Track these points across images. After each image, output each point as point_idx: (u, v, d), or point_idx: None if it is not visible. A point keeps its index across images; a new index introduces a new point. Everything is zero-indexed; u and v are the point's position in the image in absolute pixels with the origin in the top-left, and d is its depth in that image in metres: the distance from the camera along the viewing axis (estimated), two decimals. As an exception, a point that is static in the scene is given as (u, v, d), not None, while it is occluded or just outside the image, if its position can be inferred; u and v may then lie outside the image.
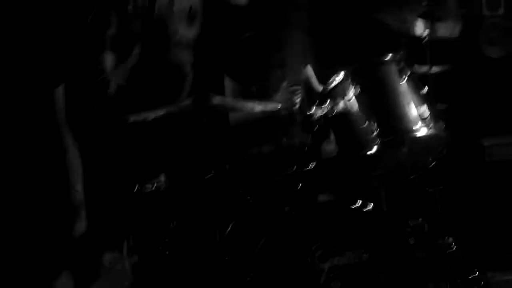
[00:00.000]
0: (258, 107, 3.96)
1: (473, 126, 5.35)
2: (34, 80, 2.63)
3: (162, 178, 4.01)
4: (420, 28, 4.64)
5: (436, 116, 3.76)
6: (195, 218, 3.90)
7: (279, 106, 4.25)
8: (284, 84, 4.41)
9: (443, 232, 4.31)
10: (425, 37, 4.39)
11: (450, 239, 4.31)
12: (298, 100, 4.47)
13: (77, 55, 5.02)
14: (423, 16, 4.57)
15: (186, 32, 5.38)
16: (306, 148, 4.28)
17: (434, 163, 3.91)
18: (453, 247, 4.32)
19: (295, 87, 4.47)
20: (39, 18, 2.71)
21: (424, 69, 4.41)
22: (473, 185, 5.09)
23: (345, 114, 3.76)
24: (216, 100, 3.81)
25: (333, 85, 3.85)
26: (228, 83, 4.35)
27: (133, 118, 3.82)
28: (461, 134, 4.96)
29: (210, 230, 3.89)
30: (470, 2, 5.41)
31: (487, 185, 5.05)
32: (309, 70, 4.63)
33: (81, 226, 4.24)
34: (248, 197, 3.92)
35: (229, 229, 3.86)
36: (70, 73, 4.69)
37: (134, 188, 3.99)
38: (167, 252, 3.84)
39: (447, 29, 4.76)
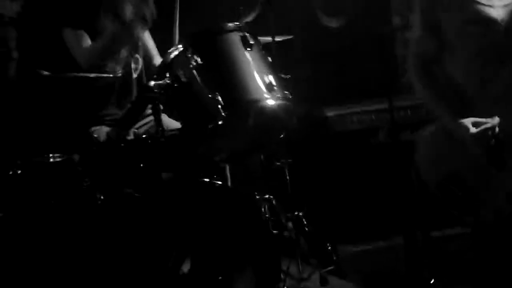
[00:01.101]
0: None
1: (315, 97, 5.29)
2: None
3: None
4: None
5: (282, 86, 3.58)
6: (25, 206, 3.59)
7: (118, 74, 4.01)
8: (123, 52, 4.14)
9: (294, 206, 4.21)
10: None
11: (301, 214, 4.23)
12: (137, 69, 4.23)
13: None
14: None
15: (9, 7, 5.07)
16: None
17: (282, 135, 3.76)
18: (304, 222, 4.24)
19: (135, 56, 4.21)
20: None
21: (267, 38, 4.28)
22: (319, 157, 5.02)
23: (187, 86, 3.54)
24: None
25: (172, 56, 3.62)
26: (68, 35, 4.02)
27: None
28: (304, 105, 4.86)
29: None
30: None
31: (332, 157, 4.98)
32: (147, 37, 4.39)
33: None
34: (86, 179, 3.64)
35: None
36: None
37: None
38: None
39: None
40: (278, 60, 4.03)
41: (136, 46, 4.23)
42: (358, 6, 5.58)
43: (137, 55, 4.22)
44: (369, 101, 5.14)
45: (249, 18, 4.38)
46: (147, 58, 4.33)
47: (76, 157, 3.65)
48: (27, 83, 3.34)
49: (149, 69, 4.29)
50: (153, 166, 3.59)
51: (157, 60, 4.31)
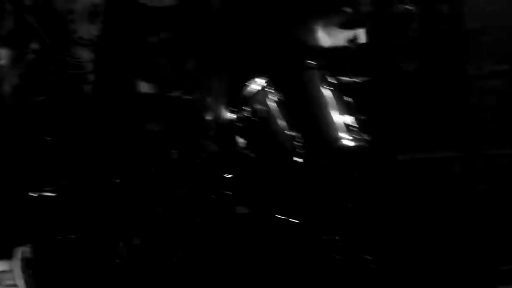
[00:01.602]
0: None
1: (389, 139, 5.23)
2: None
3: (63, 182, 3.68)
4: (340, 37, 4.48)
5: (360, 127, 3.55)
6: (98, 228, 3.60)
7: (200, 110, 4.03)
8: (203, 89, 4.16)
9: (362, 248, 4.15)
10: (347, 47, 4.24)
11: (369, 257, 4.15)
12: (218, 106, 4.24)
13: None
14: (343, 25, 4.41)
15: (88, 29, 5.13)
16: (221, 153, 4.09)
17: (357, 176, 3.73)
18: (371, 262, 4.17)
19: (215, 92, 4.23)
20: None
21: (346, 79, 4.26)
22: (390, 201, 4.95)
23: (265, 121, 3.53)
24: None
25: (252, 90, 3.62)
26: (144, 86, 4.06)
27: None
28: (378, 148, 4.81)
29: (114, 242, 3.62)
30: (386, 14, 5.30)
31: (403, 201, 4.91)
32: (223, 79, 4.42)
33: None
34: (158, 208, 3.65)
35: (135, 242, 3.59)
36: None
37: (32, 192, 3.65)
38: (67, 266, 3.52)
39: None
40: (356, 101, 3.99)
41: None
42: (434, 51, 5.53)
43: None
44: (441, 148, 5.08)
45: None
46: None
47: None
48: (102, 106, 3.35)
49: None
50: (228, 199, 3.58)
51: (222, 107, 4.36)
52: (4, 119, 4.77)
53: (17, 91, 4.91)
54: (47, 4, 5.03)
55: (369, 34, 5.29)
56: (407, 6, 5.51)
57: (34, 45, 5.00)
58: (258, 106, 3.56)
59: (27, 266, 3.64)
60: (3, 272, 3.87)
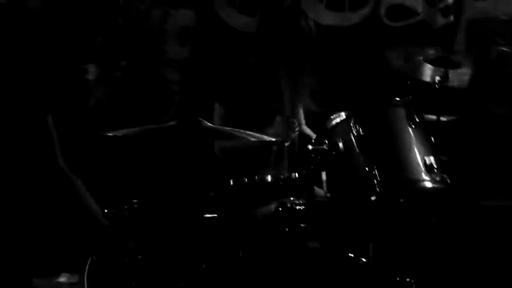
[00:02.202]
0: (253, 137, 3.64)
1: (473, 183, 5.08)
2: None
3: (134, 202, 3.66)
4: (430, 74, 4.38)
5: (442, 169, 3.43)
6: (166, 249, 3.56)
7: (274, 138, 3.97)
8: (279, 117, 4.11)
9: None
10: (435, 84, 4.14)
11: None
12: (294, 135, 4.18)
13: (60, 62, 4.76)
14: (435, 62, 4.31)
15: (177, 51, 5.16)
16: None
17: (435, 220, 3.60)
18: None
19: (291, 121, 4.16)
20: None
21: (432, 117, 4.15)
22: (470, 247, 4.80)
23: (344, 155, 3.45)
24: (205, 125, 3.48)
25: (333, 123, 3.54)
26: (218, 109, 4.04)
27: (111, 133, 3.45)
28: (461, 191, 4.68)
29: (182, 265, 3.58)
30: (482, 56, 5.16)
31: (484, 248, 4.76)
32: (301, 111, 4.37)
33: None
34: (228, 234, 3.60)
35: (202, 267, 3.54)
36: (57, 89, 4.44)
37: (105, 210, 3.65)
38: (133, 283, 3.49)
39: (458, 78, 4.49)
40: (441, 141, 3.87)
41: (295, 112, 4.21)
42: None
43: (294, 120, 4.18)
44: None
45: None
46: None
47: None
48: (185, 128, 3.32)
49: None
50: (300, 233, 3.50)
51: (304, 128, 4.29)
52: (88, 133, 4.82)
53: (102, 107, 4.96)
54: (140, 24, 5.09)
55: (463, 74, 5.19)
56: (504, 48, 5.37)
57: (123, 63, 5.06)
58: (339, 139, 3.47)
59: (93, 279, 3.64)
60: (72, 284, 3.88)
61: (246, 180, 3.51)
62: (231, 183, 3.49)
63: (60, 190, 2.36)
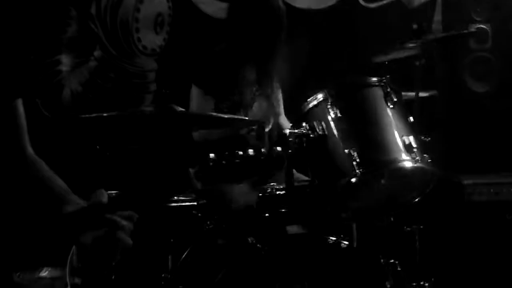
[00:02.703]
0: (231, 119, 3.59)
1: (453, 162, 5.06)
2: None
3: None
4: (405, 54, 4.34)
5: (422, 148, 3.39)
6: (146, 240, 3.51)
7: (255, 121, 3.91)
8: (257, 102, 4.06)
9: (419, 275, 3.99)
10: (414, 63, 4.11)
11: (427, 284, 3.99)
12: (271, 119, 4.13)
13: (32, 54, 4.68)
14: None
15: (152, 39, 5.09)
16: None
17: (417, 200, 3.56)
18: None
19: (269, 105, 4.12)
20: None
21: (410, 95, 4.11)
22: (452, 226, 4.79)
23: (323, 138, 3.40)
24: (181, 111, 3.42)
25: (310, 106, 3.49)
26: (195, 93, 3.98)
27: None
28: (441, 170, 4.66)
29: (162, 255, 3.53)
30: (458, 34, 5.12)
31: (466, 226, 4.75)
32: (279, 94, 4.30)
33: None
34: (208, 222, 3.55)
35: (184, 255, 3.50)
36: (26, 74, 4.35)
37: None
38: (113, 277, 3.43)
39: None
40: (419, 120, 3.84)
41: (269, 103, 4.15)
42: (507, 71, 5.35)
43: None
44: (509, 173, 4.90)
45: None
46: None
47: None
48: (161, 117, 3.26)
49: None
50: (279, 218, 3.46)
51: (281, 119, 4.25)
52: (62, 125, 4.75)
53: (77, 98, 4.89)
54: (112, 12, 5.02)
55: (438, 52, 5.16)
56: (482, 26, 5.34)
57: (97, 53, 4.99)
58: (316, 122, 3.42)
59: (75, 274, 3.58)
60: (54, 278, 3.82)
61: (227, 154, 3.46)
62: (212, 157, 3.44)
63: (27, 178, 2.30)
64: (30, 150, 2.34)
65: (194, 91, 3.98)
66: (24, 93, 2.28)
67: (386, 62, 4.39)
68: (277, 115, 4.21)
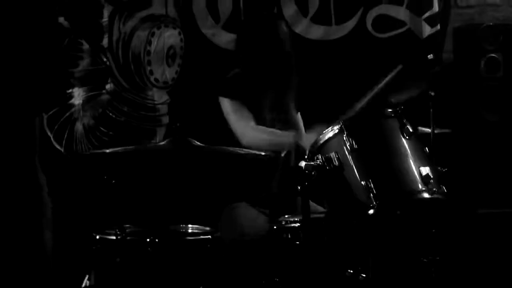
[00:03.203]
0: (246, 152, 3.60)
1: (469, 193, 5.03)
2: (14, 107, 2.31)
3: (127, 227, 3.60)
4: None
5: (439, 179, 3.37)
6: (160, 274, 3.49)
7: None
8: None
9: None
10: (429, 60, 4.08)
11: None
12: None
13: (47, 88, 4.70)
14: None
15: (164, 71, 5.10)
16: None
17: (433, 231, 3.54)
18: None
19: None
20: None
21: (426, 129, 4.09)
22: (468, 256, 4.77)
23: (339, 170, 3.38)
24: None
25: (327, 137, 3.48)
26: (230, 106, 3.99)
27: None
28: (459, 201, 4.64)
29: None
30: (469, 63, 5.12)
31: (482, 255, 4.72)
32: (299, 117, 4.31)
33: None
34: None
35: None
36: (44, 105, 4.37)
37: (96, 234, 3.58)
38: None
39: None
40: (435, 152, 3.81)
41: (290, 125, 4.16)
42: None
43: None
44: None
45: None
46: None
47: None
48: (177, 152, 3.25)
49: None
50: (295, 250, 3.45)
51: (305, 138, 4.23)
52: (74, 158, 4.75)
53: (89, 131, 4.90)
54: (124, 45, 5.04)
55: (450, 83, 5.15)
56: (492, 55, 5.34)
57: (109, 86, 5.01)
58: (332, 154, 3.41)
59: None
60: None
61: None
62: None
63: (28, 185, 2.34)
64: (37, 160, 2.38)
65: (227, 104, 3.99)
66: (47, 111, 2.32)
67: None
68: (299, 136, 4.20)
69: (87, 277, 3.60)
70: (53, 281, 4.28)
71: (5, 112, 2.22)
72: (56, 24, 4.82)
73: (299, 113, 4.30)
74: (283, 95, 4.14)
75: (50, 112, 4.76)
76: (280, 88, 4.10)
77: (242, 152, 3.70)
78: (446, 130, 4.49)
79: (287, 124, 4.15)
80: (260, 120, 4.03)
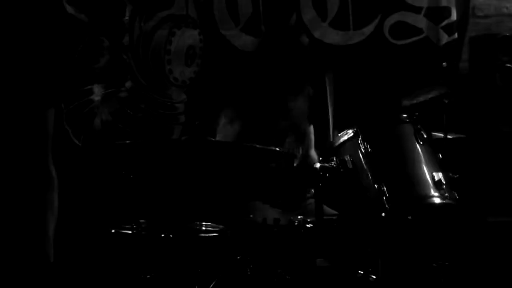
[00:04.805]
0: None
1: (480, 200, 5.06)
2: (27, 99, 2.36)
3: (142, 222, 3.64)
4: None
5: (451, 185, 3.42)
6: (173, 270, 3.54)
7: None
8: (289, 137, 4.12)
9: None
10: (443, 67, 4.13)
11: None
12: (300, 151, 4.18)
13: (66, 83, 4.76)
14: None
15: (183, 71, 5.15)
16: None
17: (444, 236, 3.59)
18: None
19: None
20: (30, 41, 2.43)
21: (439, 135, 4.14)
22: (478, 262, 4.78)
23: (353, 173, 3.44)
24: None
25: (341, 140, 3.54)
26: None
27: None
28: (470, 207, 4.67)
29: (189, 285, 3.56)
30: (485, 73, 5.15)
31: (492, 263, 4.74)
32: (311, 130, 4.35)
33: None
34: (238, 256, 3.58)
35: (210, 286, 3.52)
36: (60, 99, 4.42)
37: (111, 229, 3.62)
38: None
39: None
40: (448, 159, 3.86)
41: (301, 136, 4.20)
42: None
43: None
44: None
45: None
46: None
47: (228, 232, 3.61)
48: (193, 148, 3.31)
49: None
50: (308, 251, 3.48)
51: (312, 153, 4.28)
52: (92, 154, 4.81)
53: (107, 127, 4.95)
54: (145, 44, 5.09)
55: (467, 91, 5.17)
56: (509, 65, 5.36)
57: (128, 84, 5.07)
58: (347, 157, 3.46)
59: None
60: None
61: None
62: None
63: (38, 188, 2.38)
64: (51, 165, 2.42)
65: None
66: (57, 104, 2.37)
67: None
68: (308, 147, 4.25)
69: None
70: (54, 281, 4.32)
71: (11, 105, 2.27)
72: (64, 12, 4.84)
73: (311, 126, 4.33)
74: (297, 105, 4.17)
75: (70, 107, 4.84)
76: (295, 98, 4.14)
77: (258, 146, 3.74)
78: (461, 135, 4.54)
79: (299, 134, 4.18)
80: (272, 129, 4.07)
